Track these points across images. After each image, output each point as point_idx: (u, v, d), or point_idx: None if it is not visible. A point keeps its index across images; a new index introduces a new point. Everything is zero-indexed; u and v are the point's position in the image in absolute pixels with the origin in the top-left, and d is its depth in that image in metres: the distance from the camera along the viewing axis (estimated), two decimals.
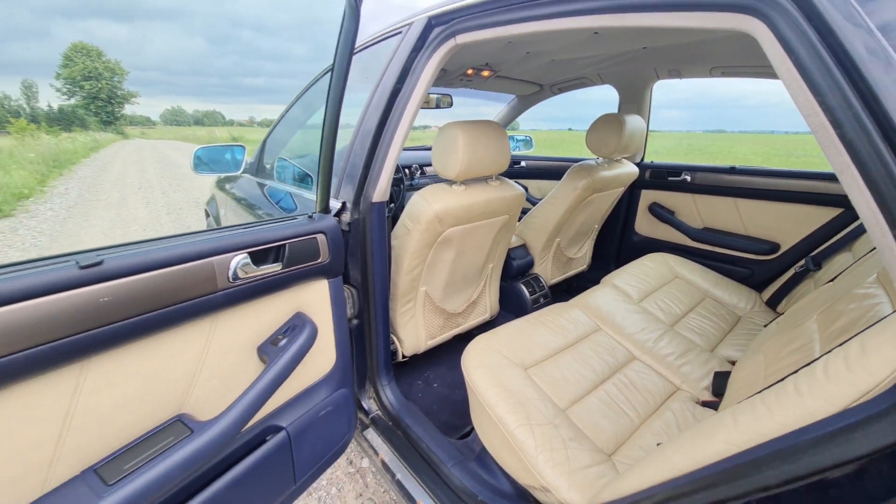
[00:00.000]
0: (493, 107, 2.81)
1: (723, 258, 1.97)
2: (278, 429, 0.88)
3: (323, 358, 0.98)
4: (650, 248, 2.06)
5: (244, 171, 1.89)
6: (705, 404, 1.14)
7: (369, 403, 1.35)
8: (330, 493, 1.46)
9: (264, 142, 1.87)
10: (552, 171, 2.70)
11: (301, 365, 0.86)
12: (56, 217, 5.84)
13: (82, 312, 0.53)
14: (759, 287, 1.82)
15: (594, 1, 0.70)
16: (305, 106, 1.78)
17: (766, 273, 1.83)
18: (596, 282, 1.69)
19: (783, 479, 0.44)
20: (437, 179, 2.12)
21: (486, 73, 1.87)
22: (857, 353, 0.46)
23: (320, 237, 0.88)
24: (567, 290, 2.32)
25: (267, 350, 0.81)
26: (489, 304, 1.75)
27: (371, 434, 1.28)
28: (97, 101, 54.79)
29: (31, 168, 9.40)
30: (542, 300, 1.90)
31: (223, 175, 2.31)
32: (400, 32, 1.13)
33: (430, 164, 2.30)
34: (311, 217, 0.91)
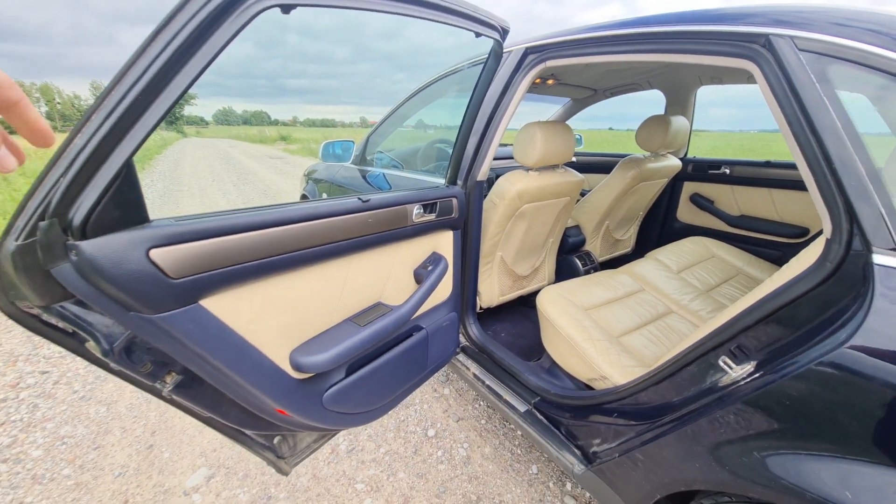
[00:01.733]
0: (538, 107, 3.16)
1: (756, 242, 2.22)
2: (420, 328, 1.31)
3: (445, 286, 1.40)
4: (689, 234, 2.34)
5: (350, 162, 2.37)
6: None
7: (459, 337, 1.76)
8: (423, 409, 1.89)
9: (367, 139, 2.34)
10: (600, 166, 3.01)
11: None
12: (151, 204, 6.73)
13: (359, 224, 0.97)
14: None
15: (650, 44, 1.06)
16: (397, 117, 2.24)
17: (795, 254, 2.07)
18: None
19: (755, 319, 0.79)
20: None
21: (550, 82, 2.24)
22: (803, 252, 0.81)
23: (454, 200, 1.29)
24: (612, 268, 2.64)
25: (420, 272, 1.24)
26: (547, 273, 2.12)
27: (462, 357, 1.70)
28: None
29: None
30: (591, 272, 2.24)
31: (310, 169, 2.83)
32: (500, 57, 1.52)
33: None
34: (447, 186, 1.33)
